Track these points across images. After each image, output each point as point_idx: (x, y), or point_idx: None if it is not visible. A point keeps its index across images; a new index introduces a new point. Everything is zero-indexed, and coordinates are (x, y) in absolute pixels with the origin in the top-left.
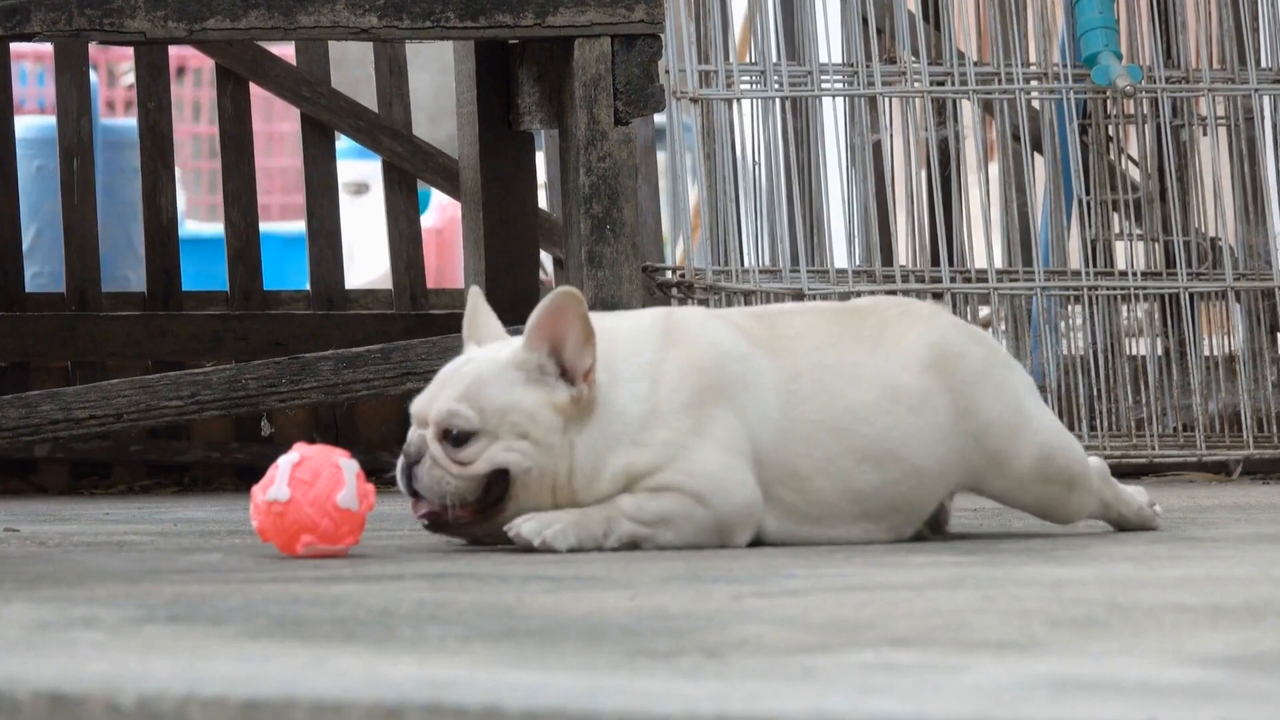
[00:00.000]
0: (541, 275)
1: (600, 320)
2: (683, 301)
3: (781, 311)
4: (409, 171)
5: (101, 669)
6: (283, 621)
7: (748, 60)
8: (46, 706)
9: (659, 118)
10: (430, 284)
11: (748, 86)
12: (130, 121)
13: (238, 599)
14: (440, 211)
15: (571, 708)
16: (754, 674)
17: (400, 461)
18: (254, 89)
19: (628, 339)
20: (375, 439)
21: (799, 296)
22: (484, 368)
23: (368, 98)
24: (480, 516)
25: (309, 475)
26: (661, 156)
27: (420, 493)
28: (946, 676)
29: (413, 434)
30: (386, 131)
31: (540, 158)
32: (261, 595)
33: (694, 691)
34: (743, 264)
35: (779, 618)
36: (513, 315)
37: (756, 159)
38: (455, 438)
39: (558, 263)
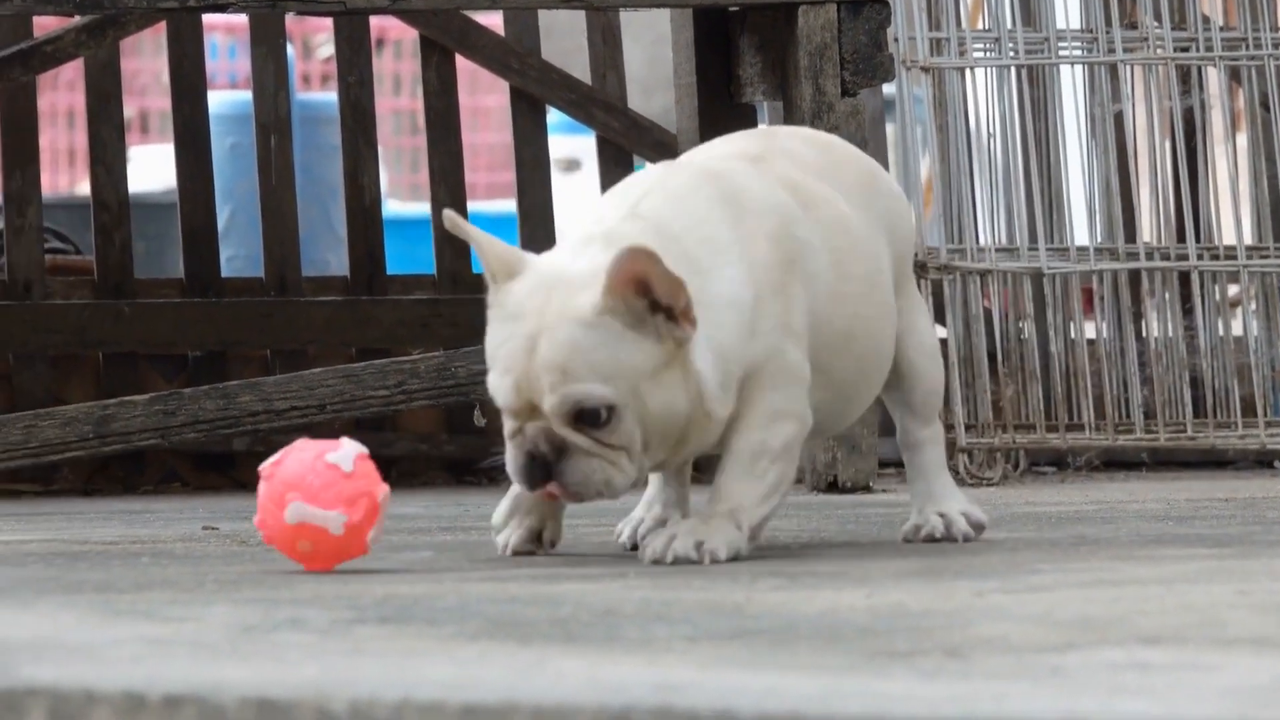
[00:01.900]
0: None
1: (635, 199)
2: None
3: (780, 150)
4: (624, 146)
5: (311, 673)
6: (500, 622)
7: (981, 26)
8: (254, 712)
9: (888, 88)
10: None
11: (981, 54)
12: (327, 96)
13: (452, 599)
14: None
15: (807, 711)
16: (999, 674)
17: (521, 461)
18: (460, 61)
19: (690, 221)
20: None
21: (1038, 276)
22: (574, 331)
23: (579, 69)
24: None
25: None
26: (890, 129)
27: (577, 493)
28: (1202, 676)
29: (529, 429)
30: (600, 105)
31: None
32: (477, 594)
33: (936, 693)
34: (978, 242)
35: (1024, 615)
36: None
37: (991, 131)
38: (594, 418)
39: None
